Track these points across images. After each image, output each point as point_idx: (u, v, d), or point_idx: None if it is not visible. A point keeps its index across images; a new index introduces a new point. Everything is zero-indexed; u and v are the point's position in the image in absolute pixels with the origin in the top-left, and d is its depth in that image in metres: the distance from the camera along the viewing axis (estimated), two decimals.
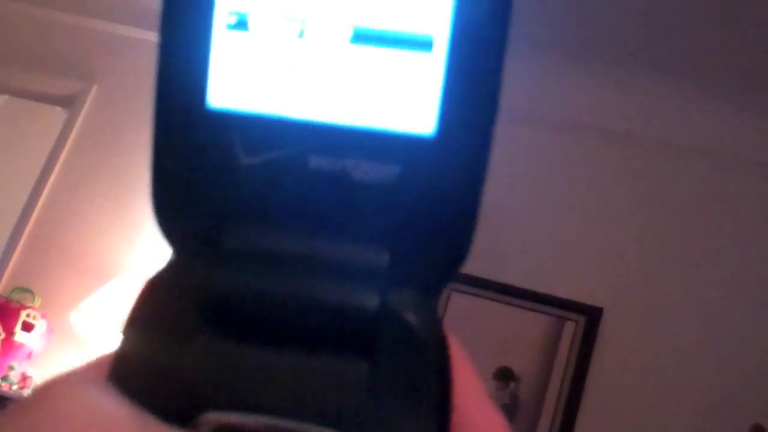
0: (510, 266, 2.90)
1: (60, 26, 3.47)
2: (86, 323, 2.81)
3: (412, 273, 0.23)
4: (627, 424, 2.74)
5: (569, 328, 2.84)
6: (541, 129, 3.07)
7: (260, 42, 0.23)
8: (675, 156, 3.00)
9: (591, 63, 2.89)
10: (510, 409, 2.77)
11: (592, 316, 2.84)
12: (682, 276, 2.86)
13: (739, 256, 2.86)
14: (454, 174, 0.22)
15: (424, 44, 0.22)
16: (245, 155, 0.22)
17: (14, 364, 2.83)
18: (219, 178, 0.23)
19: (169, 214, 0.23)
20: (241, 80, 0.23)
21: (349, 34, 0.22)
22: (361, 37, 0.22)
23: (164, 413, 0.21)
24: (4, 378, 2.80)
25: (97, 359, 0.22)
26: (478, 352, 2.79)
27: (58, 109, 3.53)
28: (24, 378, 2.85)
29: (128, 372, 0.22)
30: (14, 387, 2.80)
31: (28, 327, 2.86)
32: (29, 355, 2.89)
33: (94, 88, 3.36)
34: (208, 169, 0.23)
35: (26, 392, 2.79)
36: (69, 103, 3.39)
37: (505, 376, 2.80)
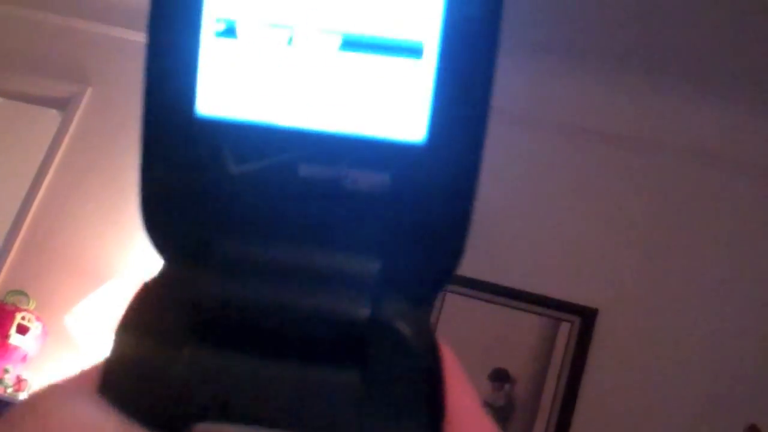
0: (505, 267, 2.90)
1: (54, 29, 3.46)
2: (81, 326, 2.80)
3: (403, 282, 0.22)
4: (622, 425, 2.74)
5: (564, 329, 2.84)
6: (539, 130, 3.07)
7: (249, 49, 0.22)
8: (670, 157, 3.00)
9: (586, 65, 2.90)
10: (505, 410, 2.77)
11: (587, 317, 2.84)
12: (676, 277, 2.87)
13: (734, 258, 2.87)
14: (445, 182, 0.22)
15: (414, 51, 0.22)
16: (235, 164, 0.22)
17: (9, 367, 2.83)
18: (208, 187, 0.22)
19: (159, 224, 0.23)
20: (230, 88, 0.22)
21: (339, 40, 0.22)
22: (351, 43, 0.22)
23: (154, 425, 0.20)
24: None
25: (86, 369, 0.22)
26: (473, 353, 2.79)
27: (53, 111, 3.52)
28: (19, 381, 2.84)
29: (118, 383, 0.21)
30: (9, 390, 2.79)
31: (23, 330, 2.86)
32: (24, 358, 2.88)
33: (89, 91, 3.36)
34: (198, 178, 0.22)
35: (21, 395, 2.78)
36: (63, 105, 3.38)
37: (500, 377, 2.79)
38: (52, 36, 3.46)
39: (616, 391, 2.77)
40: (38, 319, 2.91)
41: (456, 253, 0.23)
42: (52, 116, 3.51)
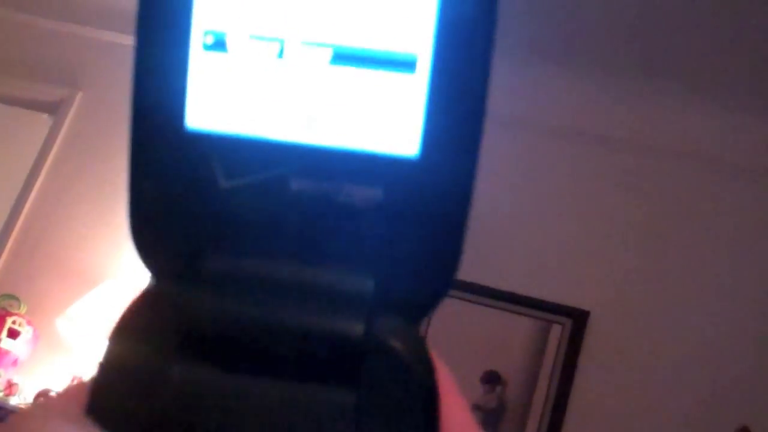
0: (497, 269, 2.90)
1: (45, 33, 3.45)
2: (73, 330, 2.79)
3: (398, 299, 0.22)
4: (614, 427, 2.74)
5: (556, 331, 2.84)
6: (531, 133, 3.07)
7: (239, 62, 0.22)
8: (663, 160, 3.00)
9: (582, 68, 2.90)
10: (497, 412, 2.77)
11: (578, 319, 2.84)
12: (668, 279, 2.87)
13: (727, 261, 2.87)
14: (439, 196, 0.22)
15: (407, 64, 0.22)
16: (225, 178, 0.22)
17: (0, 371, 2.81)
18: (198, 201, 0.22)
19: (147, 239, 0.23)
20: (219, 101, 0.22)
21: (330, 54, 0.22)
22: (342, 57, 0.22)
23: None
24: None
25: (73, 389, 0.22)
26: (464, 355, 2.79)
27: (44, 115, 3.51)
28: (10, 385, 2.83)
29: (106, 404, 0.21)
30: (0, 394, 2.78)
31: (14, 334, 2.84)
32: (15, 362, 2.87)
33: (79, 95, 3.34)
34: (187, 193, 0.22)
35: (12, 400, 2.77)
36: (54, 109, 3.37)
37: (491, 379, 2.79)
38: (42, 40, 3.45)
39: (608, 393, 2.77)
40: (29, 323, 2.90)
41: (450, 269, 0.22)
42: (43, 120, 3.50)
